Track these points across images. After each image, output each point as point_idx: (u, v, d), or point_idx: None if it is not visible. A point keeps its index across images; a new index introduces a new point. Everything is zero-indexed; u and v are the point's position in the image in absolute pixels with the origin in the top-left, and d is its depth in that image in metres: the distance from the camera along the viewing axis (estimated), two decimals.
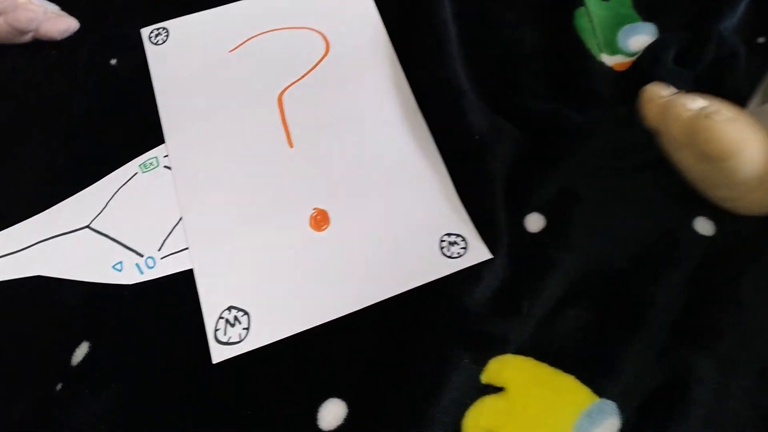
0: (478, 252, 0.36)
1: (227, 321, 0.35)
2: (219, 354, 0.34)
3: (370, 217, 0.37)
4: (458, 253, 0.36)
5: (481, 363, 0.33)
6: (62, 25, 0.46)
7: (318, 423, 0.32)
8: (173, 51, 0.45)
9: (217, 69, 0.44)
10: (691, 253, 0.35)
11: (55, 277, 0.37)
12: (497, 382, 0.33)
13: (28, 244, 0.38)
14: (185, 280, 0.37)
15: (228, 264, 0.36)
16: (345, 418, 0.32)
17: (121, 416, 0.33)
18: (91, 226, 0.39)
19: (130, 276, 0.37)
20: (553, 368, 0.32)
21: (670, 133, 0.36)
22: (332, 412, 0.32)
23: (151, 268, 0.37)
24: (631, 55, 0.44)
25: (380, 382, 0.33)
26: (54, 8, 0.47)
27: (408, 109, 0.42)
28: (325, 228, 0.37)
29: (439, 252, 0.36)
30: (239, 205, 0.38)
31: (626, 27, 0.45)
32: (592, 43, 0.44)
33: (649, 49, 0.42)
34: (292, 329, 0.34)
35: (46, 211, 0.40)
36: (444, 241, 0.37)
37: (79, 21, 0.47)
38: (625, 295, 0.34)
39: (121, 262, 0.37)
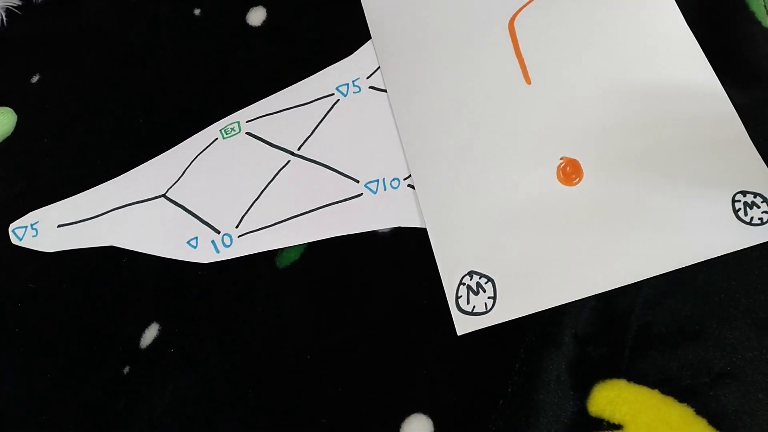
0: None
1: (470, 288, 0.31)
2: (463, 326, 0.30)
3: (633, 169, 0.31)
4: (760, 219, 0.29)
5: (585, 389, 0.28)
6: None
7: None
8: None
9: None
10: None
11: (128, 249, 0.35)
12: (609, 416, 0.28)
13: (102, 211, 0.36)
14: (265, 262, 0.33)
15: (465, 222, 0.32)
16: None
17: (189, 408, 0.30)
18: (167, 195, 0.36)
19: (205, 254, 0.34)
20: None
21: None
22: (417, 429, 0.29)
23: (228, 246, 0.34)
24: None
25: (472, 400, 0.29)
26: None
27: (675, 28, 0.34)
28: (577, 181, 0.32)
29: (732, 215, 0.29)
30: (474, 153, 0.34)
31: None
32: (758, 4, 0.36)
33: None
34: (544, 303, 0.30)
35: (122, 175, 0.37)
36: (738, 201, 0.30)
37: None
38: None
39: (196, 238, 0.34)
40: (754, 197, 0.29)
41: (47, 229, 0.36)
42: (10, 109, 0.39)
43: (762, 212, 0.29)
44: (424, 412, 0.29)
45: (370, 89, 0.37)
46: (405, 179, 0.34)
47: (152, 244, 0.35)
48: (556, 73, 0.34)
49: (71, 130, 0.40)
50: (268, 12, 0.41)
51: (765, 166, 0.30)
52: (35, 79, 0.42)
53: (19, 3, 0.44)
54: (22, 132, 0.40)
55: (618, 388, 0.28)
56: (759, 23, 0.36)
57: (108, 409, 0.31)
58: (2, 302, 0.35)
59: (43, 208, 0.37)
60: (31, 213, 0.37)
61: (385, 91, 0.37)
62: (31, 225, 0.37)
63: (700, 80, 0.33)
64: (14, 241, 0.37)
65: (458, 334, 0.30)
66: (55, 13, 0.44)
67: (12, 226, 0.37)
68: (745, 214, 0.29)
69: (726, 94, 0.32)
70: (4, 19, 0.44)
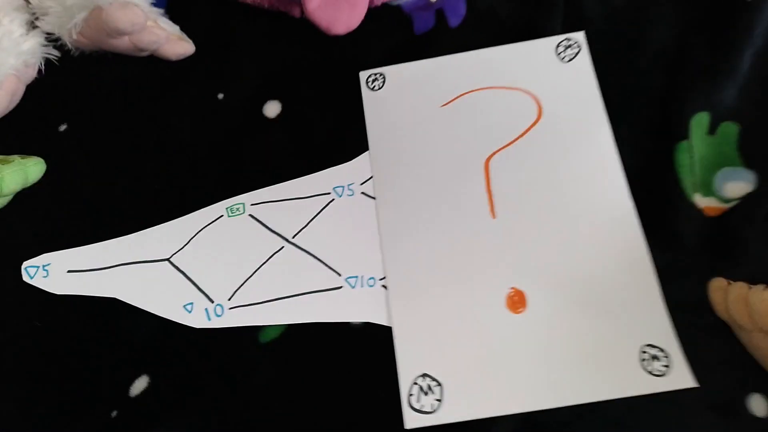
0: (682, 375, 0.35)
1: (421, 388, 0.36)
2: (412, 421, 0.35)
3: (569, 307, 0.37)
4: (660, 371, 0.35)
5: None
6: (180, 48, 0.48)
7: None
8: (388, 97, 0.46)
9: (429, 122, 0.44)
10: None
11: (129, 304, 0.39)
12: None
13: (110, 265, 0.41)
14: (249, 335, 0.38)
15: (425, 328, 0.37)
16: None
17: None
18: (171, 260, 0.41)
19: (198, 319, 0.39)
20: None
21: (733, 318, 0.35)
22: None
23: (219, 316, 0.39)
24: (725, 200, 0.43)
25: None
26: (176, 30, 0.48)
27: (618, 192, 0.41)
28: (521, 311, 0.37)
29: (638, 364, 0.35)
30: (440, 270, 0.39)
31: (725, 170, 0.44)
32: (687, 180, 0.44)
33: (744, 204, 0.42)
34: (481, 412, 0.35)
35: (133, 234, 0.42)
36: (645, 353, 0.36)
37: (196, 47, 0.49)
38: None
39: (192, 303, 0.39)
40: (659, 351, 0.36)
41: (57, 273, 0.40)
42: (41, 160, 0.44)
43: (662, 365, 0.35)
44: None
45: (362, 194, 0.43)
46: (380, 279, 0.40)
47: (152, 302, 0.39)
48: (518, 212, 0.41)
49: (91, 183, 0.44)
50: (283, 107, 0.47)
51: (670, 324, 0.37)
52: (63, 128, 0.47)
53: (59, 55, 0.48)
54: (49, 179, 0.44)
55: None
56: (686, 197, 0.43)
57: None
58: (7, 336, 0.39)
59: (57, 252, 0.41)
60: (44, 255, 0.41)
61: (374, 198, 0.43)
62: (43, 266, 0.41)
63: (631, 243, 0.40)
64: (25, 278, 0.41)
65: (405, 428, 0.35)
66: (89, 68, 0.49)
67: (25, 264, 0.41)
68: (649, 364, 0.36)
69: (650, 258, 0.39)
70: (43, 68, 0.48)
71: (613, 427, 0.35)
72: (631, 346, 0.36)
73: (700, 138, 0.46)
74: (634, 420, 0.35)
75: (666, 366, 0.35)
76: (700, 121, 0.44)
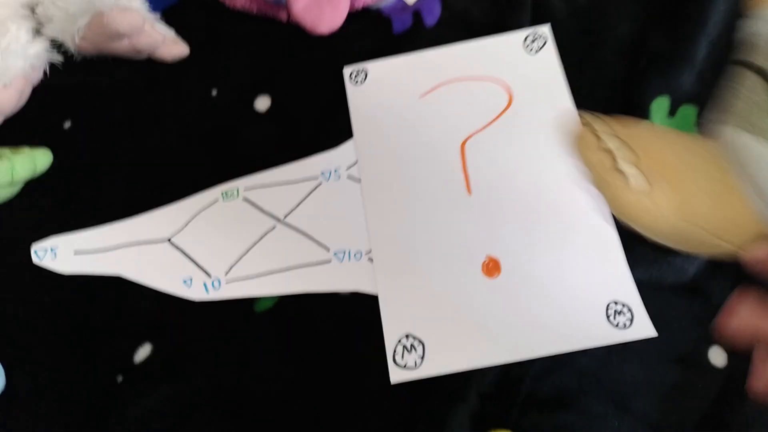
0: (644, 327, 0.38)
1: (404, 347, 0.39)
2: (396, 375, 0.38)
3: (540, 270, 0.40)
4: (624, 323, 0.38)
5: None
6: (175, 50, 0.52)
7: None
8: (370, 91, 0.49)
9: (409, 111, 0.48)
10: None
11: (132, 280, 0.42)
12: None
13: (114, 245, 0.44)
14: (245, 305, 0.41)
15: (408, 294, 0.40)
16: None
17: (173, 414, 0.37)
18: (171, 240, 0.44)
19: (197, 292, 0.41)
20: None
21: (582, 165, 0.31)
22: None
23: (216, 289, 0.42)
24: None
25: None
26: (171, 34, 0.52)
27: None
28: (497, 276, 0.41)
29: (605, 318, 0.39)
30: (421, 242, 0.42)
31: None
32: None
33: None
34: (460, 366, 0.38)
35: (134, 217, 0.45)
36: (610, 308, 0.39)
37: (190, 49, 0.52)
38: None
39: (191, 278, 0.42)
40: (623, 306, 0.39)
41: (65, 254, 0.43)
42: (49, 151, 0.47)
43: (626, 319, 0.39)
44: None
45: (348, 178, 0.46)
46: (366, 253, 0.43)
47: (153, 278, 0.42)
48: (492, 188, 0.44)
49: (94, 173, 0.47)
50: (272, 101, 0.50)
51: (632, 283, 0.40)
52: (67, 125, 0.50)
53: (62, 60, 0.52)
54: (56, 169, 0.47)
55: None
56: None
57: (101, 410, 0.38)
58: (19, 309, 0.42)
59: (63, 235, 0.44)
60: (52, 237, 0.44)
61: (359, 180, 0.46)
62: (51, 248, 0.44)
63: (598, 213, 0.43)
64: (34, 259, 0.43)
65: (392, 383, 0.38)
66: (91, 70, 0.52)
67: (34, 246, 0.44)
68: (614, 318, 0.39)
69: (614, 225, 0.43)
70: (48, 71, 0.52)
71: (584, 378, 0.38)
72: (598, 303, 0.39)
73: (661, 120, 0.49)
74: (604, 372, 0.38)
75: (630, 320, 0.39)
76: (660, 105, 0.48)
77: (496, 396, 0.38)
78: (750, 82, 0.29)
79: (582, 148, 0.30)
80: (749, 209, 0.28)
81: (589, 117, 0.31)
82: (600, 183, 0.30)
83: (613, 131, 0.30)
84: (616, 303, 0.39)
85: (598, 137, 0.30)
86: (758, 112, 0.27)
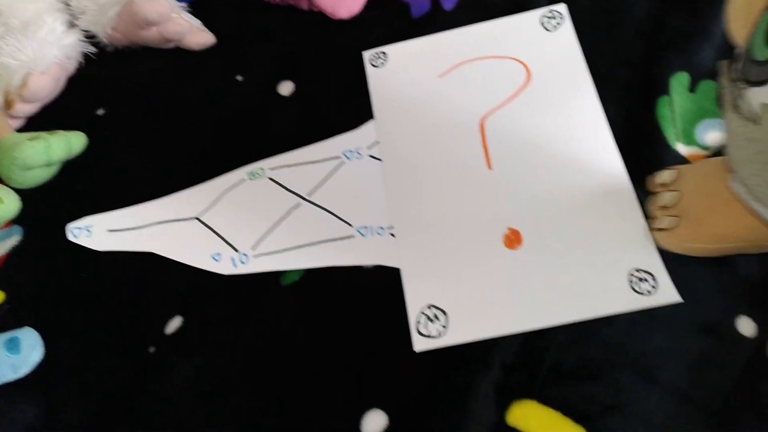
0: (668, 293, 0.38)
1: (427, 317, 0.39)
2: (420, 344, 0.38)
3: (561, 241, 0.41)
4: (648, 290, 0.38)
5: (505, 405, 0.36)
6: (201, 39, 0.53)
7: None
8: (390, 73, 0.51)
9: (428, 91, 0.49)
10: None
11: (164, 256, 0.44)
12: (521, 427, 0.36)
13: (146, 224, 0.45)
14: (272, 279, 0.42)
15: (430, 267, 0.41)
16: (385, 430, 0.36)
17: (202, 383, 0.38)
18: (199, 218, 0.45)
19: (225, 267, 0.43)
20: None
21: None
22: (374, 422, 0.37)
23: (244, 263, 0.43)
24: (706, 149, 0.47)
25: (420, 402, 0.37)
26: (197, 23, 0.54)
27: (604, 141, 0.45)
28: (518, 247, 0.41)
29: (627, 286, 0.39)
30: (442, 217, 0.43)
31: (706, 121, 0.48)
32: (669, 131, 0.47)
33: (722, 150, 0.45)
34: (483, 334, 0.38)
35: (165, 197, 0.46)
36: (633, 276, 0.39)
37: (216, 38, 0.54)
38: None
39: (219, 254, 0.43)
40: (646, 273, 0.39)
41: (99, 232, 0.45)
42: (82, 133, 0.49)
43: (650, 285, 0.39)
44: (382, 408, 0.37)
45: (369, 157, 0.47)
46: (388, 229, 0.44)
47: (183, 254, 0.44)
48: (511, 163, 0.45)
49: (126, 156, 0.49)
50: (296, 86, 0.51)
51: (655, 251, 0.40)
52: (101, 111, 0.52)
53: (95, 51, 0.54)
54: (90, 154, 0.49)
55: (530, 407, 0.37)
56: (669, 146, 0.47)
57: (135, 378, 0.39)
58: (57, 284, 0.43)
59: (98, 214, 0.46)
60: (87, 217, 0.46)
61: (380, 160, 0.47)
62: (87, 227, 0.45)
63: (618, 185, 0.43)
64: (71, 238, 0.45)
65: (416, 351, 0.38)
66: (122, 61, 0.55)
67: (70, 225, 0.46)
68: (637, 285, 0.39)
69: (636, 197, 0.43)
70: (82, 61, 0.54)
71: (609, 348, 0.38)
72: (621, 271, 0.39)
73: (681, 95, 0.49)
74: (629, 342, 0.38)
75: (653, 286, 0.39)
76: (680, 80, 0.48)
77: (520, 366, 0.38)
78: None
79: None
80: None
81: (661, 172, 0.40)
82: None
83: (676, 176, 0.39)
84: (638, 270, 0.39)
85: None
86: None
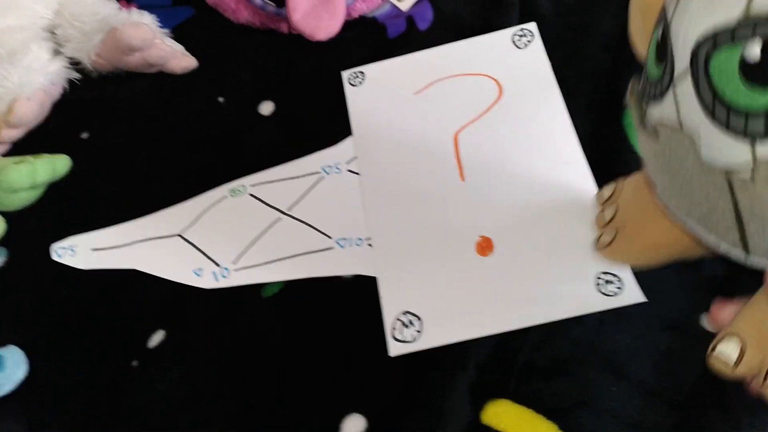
0: (633, 293, 0.39)
1: (402, 323, 0.40)
2: (395, 349, 0.39)
3: (531, 248, 0.42)
4: (613, 291, 0.40)
5: (480, 404, 0.37)
6: (184, 63, 0.55)
7: None
8: (368, 91, 0.53)
9: (404, 108, 0.51)
10: None
11: (146, 273, 0.45)
12: (496, 425, 0.37)
13: (129, 242, 0.46)
14: (253, 291, 0.43)
15: (405, 275, 0.42)
16: None
17: (185, 395, 0.39)
18: (182, 234, 0.46)
19: (207, 281, 0.44)
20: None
21: None
22: (354, 425, 0.38)
23: (225, 277, 0.44)
24: None
25: (398, 405, 0.38)
26: (180, 48, 0.56)
27: (572, 152, 0.46)
28: (489, 254, 0.42)
29: (594, 288, 0.40)
30: (417, 226, 0.44)
31: None
32: (635, 139, 0.49)
33: None
34: (456, 337, 0.39)
35: (147, 216, 0.47)
36: (600, 279, 0.40)
37: (198, 61, 0.56)
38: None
39: (201, 269, 0.44)
40: (612, 276, 0.41)
41: (83, 252, 0.46)
42: (67, 156, 0.50)
43: (615, 287, 0.40)
44: (361, 412, 0.38)
45: (348, 171, 0.49)
46: (366, 239, 0.45)
47: (166, 270, 0.44)
48: (484, 175, 0.46)
49: (110, 178, 0.50)
50: (276, 106, 0.53)
51: None
52: (85, 135, 0.53)
53: (80, 77, 0.56)
54: (74, 176, 0.50)
55: (504, 405, 0.37)
56: (636, 153, 0.48)
57: (118, 392, 0.40)
58: (40, 302, 0.44)
59: (82, 234, 0.47)
60: (71, 237, 0.47)
61: (358, 174, 0.48)
62: (71, 247, 0.46)
63: (585, 191, 0.45)
64: (55, 257, 0.46)
65: (391, 356, 0.39)
66: (106, 86, 0.56)
67: (54, 246, 0.47)
68: (604, 287, 0.40)
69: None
70: (67, 86, 0.55)
71: (579, 346, 0.39)
72: (588, 274, 0.40)
73: None
74: (598, 341, 0.39)
75: (619, 288, 0.40)
76: None
77: (494, 367, 0.39)
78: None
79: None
80: None
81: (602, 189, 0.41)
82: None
83: (613, 195, 0.40)
84: (605, 273, 0.41)
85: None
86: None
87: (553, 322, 0.39)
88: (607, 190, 0.40)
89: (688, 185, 0.26)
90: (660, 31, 0.25)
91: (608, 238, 0.39)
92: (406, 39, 0.56)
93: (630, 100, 0.32)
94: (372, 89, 0.53)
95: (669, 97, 0.24)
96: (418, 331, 0.40)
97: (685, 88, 0.23)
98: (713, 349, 0.32)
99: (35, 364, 0.41)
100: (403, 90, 0.52)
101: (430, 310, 0.41)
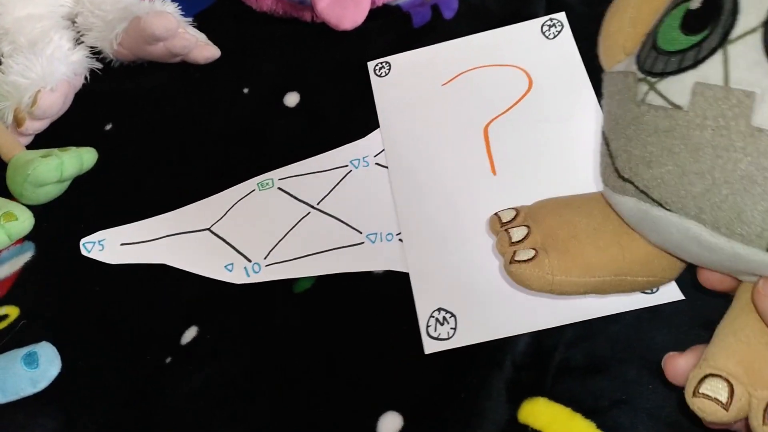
0: (671, 291, 0.39)
1: (437, 320, 0.40)
2: (430, 347, 0.39)
3: None
4: (651, 289, 0.39)
5: (517, 402, 0.37)
6: (207, 53, 0.54)
7: None
8: (394, 82, 0.52)
9: (432, 99, 0.50)
10: None
11: (176, 268, 0.44)
12: (533, 424, 0.37)
13: (158, 236, 0.46)
14: (284, 287, 0.43)
15: (438, 270, 0.42)
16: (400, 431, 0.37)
17: (218, 392, 0.39)
18: (211, 229, 0.46)
19: (238, 277, 0.43)
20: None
21: None
22: (390, 424, 0.38)
23: (257, 273, 0.43)
24: None
25: (434, 403, 0.38)
26: (203, 37, 0.55)
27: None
28: None
29: None
30: (449, 221, 0.44)
31: None
32: None
33: None
34: (491, 335, 0.39)
35: (176, 210, 0.47)
36: None
37: (221, 51, 0.55)
38: None
39: (232, 264, 0.44)
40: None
41: (112, 246, 0.46)
42: (93, 149, 0.50)
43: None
44: (397, 410, 0.38)
45: (376, 165, 0.48)
46: (396, 234, 0.44)
47: (196, 265, 0.44)
48: (515, 169, 0.46)
49: (136, 170, 0.50)
50: (301, 97, 0.52)
51: None
52: (108, 127, 0.53)
53: (101, 66, 0.55)
54: (100, 169, 0.50)
55: (540, 403, 0.37)
56: None
57: (153, 389, 0.40)
58: (72, 299, 0.44)
59: (110, 229, 0.47)
60: (99, 232, 0.47)
61: (386, 167, 0.48)
62: (99, 241, 0.46)
63: None
64: (83, 252, 0.46)
65: (426, 353, 0.39)
66: (128, 76, 0.55)
67: (83, 240, 0.46)
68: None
69: None
70: (88, 77, 0.55)
71: (616, 344, 0.39)
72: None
73: None
74: (635, 339, 0.39)
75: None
76: None
77: (530, 365, 0.39)
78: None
79: (492, 233, 0.36)
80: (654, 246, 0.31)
81: (501, 212, 0.36)
82: (503, 262, 0.34)
83: (515, 215, 0.35)
84: None
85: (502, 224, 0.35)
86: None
87: (589, 320, 0.39)
88: (507, 214, 0.36)
89: (714, 158, 0.23)
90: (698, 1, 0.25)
91: (526, 255, 0.33)
92: (431, 28, 0.55)
93: (629, 78, 0.29)
94: (398, 80, 0.52)
95: (715, 60, 0.23)
96: (453, 329, 0.40)
97: (746, 47, 0.22)
98: (694, 392, 0.26)
99: (68, 360, 0.41)
100: (430, 81, 0.52)
101: (465, 307, 0.40)
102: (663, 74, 0.26)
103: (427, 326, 0.40)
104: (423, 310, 0.41)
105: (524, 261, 0.32)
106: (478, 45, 0.53)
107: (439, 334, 0.40)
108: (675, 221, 0.26)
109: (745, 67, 0.22)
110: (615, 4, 0.33)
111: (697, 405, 0.25)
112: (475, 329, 0.40)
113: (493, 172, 0.46)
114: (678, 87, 0.25)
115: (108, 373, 0.41)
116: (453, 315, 0.40)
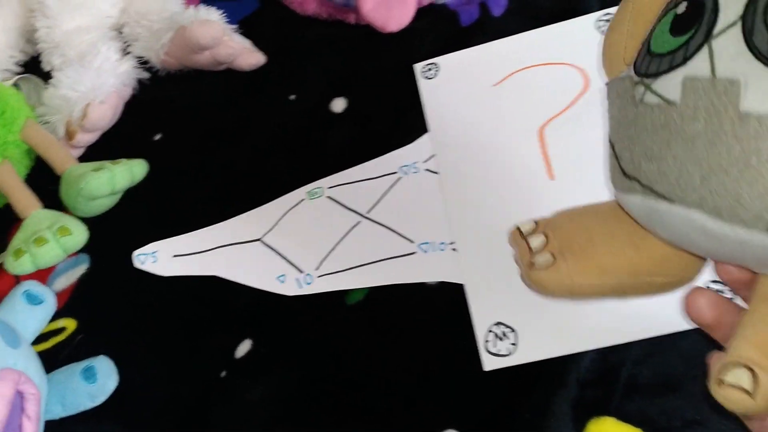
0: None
1: (496, 335, 0.39)
2: (490, 363, 0.38)
3: None
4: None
5: (582, 422, 0.35)
6: (252, 59, 0.54)
7: None
8: (443, 84, 0.50)
9: (483, 101, 0.48)
10: None
11: (228, 280, 0.44)
12: None
13: (210, 248, 0.46)
14: (337, 298, 0.42)
15: (495, 282, 0.41)
16: None
17: (273, 406, 0.39)
18: (262, 239, 0.45)
19: (290, 288, 0.43)
20: None
21: None
22: None
23: (309, 284, 0.43)
24: None
25: (495, 421, 0.37)
26: (248, 44, 0.54)
27: None
28: None
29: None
30: (504, 228, 0.40)
31: None
32: None
33: None
34: (555, 352, 0.37)
35: (226, 221, 0.47)
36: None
37: (266, 57, 0.54)
38: None
39: (284, 275, 0.43)
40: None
41: (164, 258, 0.46)
42: (144, 161, 0.50)
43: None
44: (458, 428, 0.37)
45: (426, 171, 0.47)
46: (450, 244, 0.43)
47: (249, 277, 0.44)
48: (574, 172, 0.44)
49: (185, 181, 0.50)
50: (348, 102, 0.51)
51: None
52: (158, 137, 0.53)
53: (149, 76, 0.55)
54: (150, 180, 0.50)
55: (608, 424, 0.36)
56: None
57: (208, 403, 0.40)
58: (127, 312, 0.44)
59: (162, 240, 0.47)
60: (152, 243, 0.47)
61: (437, 173, 0.46)
62: (152, 253, 0.46)
63: None
64: (137, 265, 0.46)
65: (485, 370, 0.38)
66: (175, 84, 0.55)
67: (136, 252, 0.47)
68: None
69: None
70: (136, 87, 0.55)
71: (686, 360, 0.37)
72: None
73: None
74: (706, 355, 0.37)
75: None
76: None
77: (595, 383, 0.37)
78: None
79: (513, 245, 0.37)
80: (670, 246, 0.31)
81: (521, 223, 0.36)
82: (522, 271, 0.35)
83: (536, 227, 0.36)
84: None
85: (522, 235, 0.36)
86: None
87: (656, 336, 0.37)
88: (527, 226, 0.36)
89: (709, 146, 0.25)
90: (685, 5, 0.27)
91: (544, 261, 0.34)
92: (479, 26, 0.53)
93: (627, 82, 0.30)
94: (447, 82, 0.51)
95: (701, 55, 0.25)
96: (513, 344, 0.38)
97: (728, 40, 0.24)
98: (718, 380, 0.25)
99: (124, 374, 0.41)
100: (480, 82, 0.50)
101: (525, 322, 0.39)
102: (657, 74, 0.27)
103: (486, 341, 0.39)
104: (480, 324, 0.39)
105: (543, 268, 0.34)
106: (529, 43, 0.51)
107: (499, 350, 0.38)
108: (679, 212, 0.26)
109: (729, 58, 0.24)
110: (614, 19, 0.34)
111: (722, 395, 0.25)
112: (536, 345, 0.38)
113: (551, 176, 0.44)
114: (670, 84, 0.26)
115: (164, 386, 0.41)
116: (513, 330, 0.39)
